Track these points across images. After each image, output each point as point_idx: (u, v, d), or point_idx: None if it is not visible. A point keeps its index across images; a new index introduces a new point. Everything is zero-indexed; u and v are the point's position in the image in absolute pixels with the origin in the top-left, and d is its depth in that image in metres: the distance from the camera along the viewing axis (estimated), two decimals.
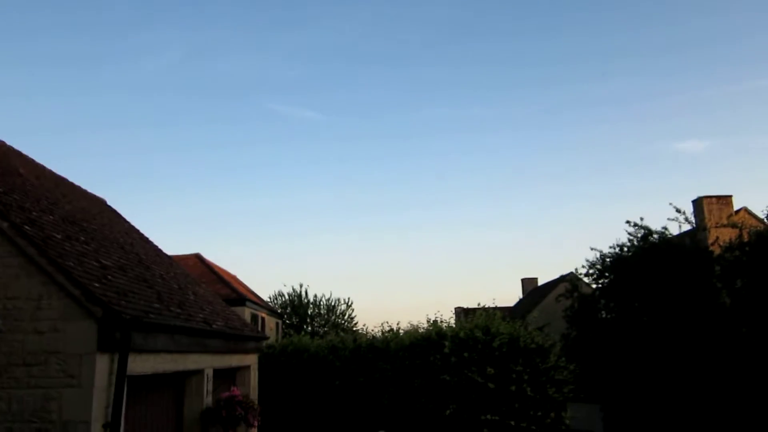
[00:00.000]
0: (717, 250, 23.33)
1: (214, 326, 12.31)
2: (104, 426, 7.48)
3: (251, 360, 15.64)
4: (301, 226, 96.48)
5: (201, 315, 12.39)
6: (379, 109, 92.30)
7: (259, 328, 28.58)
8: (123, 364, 7.81)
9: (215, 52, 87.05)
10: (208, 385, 11.95)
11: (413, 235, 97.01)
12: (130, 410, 8.80)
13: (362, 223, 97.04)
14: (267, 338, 18.75)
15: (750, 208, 30.49)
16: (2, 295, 7.66)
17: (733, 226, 23.98)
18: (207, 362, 11.86)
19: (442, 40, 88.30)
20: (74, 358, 7.43)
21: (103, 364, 7.57)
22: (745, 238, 22.68)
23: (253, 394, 15.39)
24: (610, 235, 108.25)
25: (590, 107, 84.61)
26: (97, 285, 8.12)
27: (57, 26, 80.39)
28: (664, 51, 79.91)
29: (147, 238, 17.28)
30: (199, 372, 11.60)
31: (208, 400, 11.97)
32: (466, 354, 17.28)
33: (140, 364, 8.54)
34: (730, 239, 23.04)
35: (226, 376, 14.24)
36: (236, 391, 12.79)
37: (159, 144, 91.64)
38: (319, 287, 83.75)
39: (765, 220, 24.61)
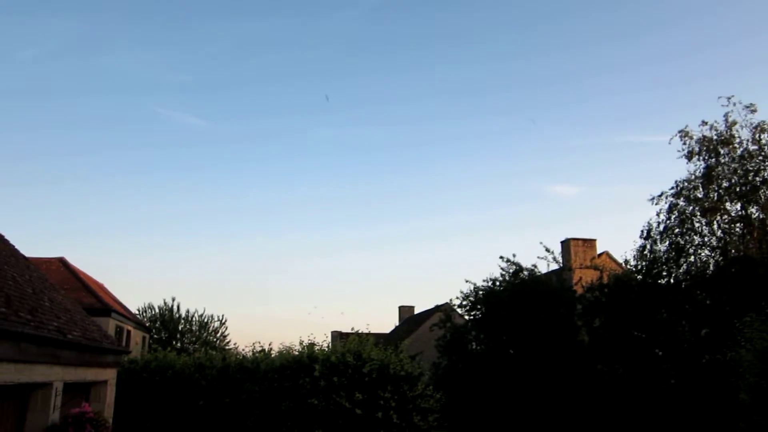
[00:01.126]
0: (580, 290, 24.81)
1: (68, 336, 11.45)
2: None
3: (109, 375, 14.68)
4: (179, 239, 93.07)
5: (55, 323, 11.50)
6: (261, 117, 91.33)
7: (124, 342, 27.06)
8: None
9: (98, 46, 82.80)
10: (56, 400, 11.04)
11: (295, 256, 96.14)
12: None
13: (242, 241, 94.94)
14: (129, 352, 17.73)
15: (611, 252, 32.80)
16: None
17: (595, 268, 25.63)
18: (57, 375, 10.98)
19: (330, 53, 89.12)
20: None
21: None
22: (605, 280, 24.28)
23: (108, 412, 14.41)
24: (487, 268, 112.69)
25: (471, 141, 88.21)
26: None
27: None
28: (544, 104, 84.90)
29: (2, 237, 15.91)
30: (47, 385, 10.70)
31: (55, 416, 11.05)
32: (335, 378, 17.14)
33: None
34: (592, 280, 24.58)
35: (78, 391, 13.25)
36: (87, 407, 11.91)
37: (31, 141, 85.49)
38: (194, 303, 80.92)
39: (623, 265, 26.46)
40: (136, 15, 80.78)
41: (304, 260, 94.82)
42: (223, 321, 45.61)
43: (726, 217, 23.06)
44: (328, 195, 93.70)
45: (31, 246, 54.03)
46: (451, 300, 28.09)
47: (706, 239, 23.41)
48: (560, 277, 26.30)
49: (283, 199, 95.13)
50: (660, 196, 24.22)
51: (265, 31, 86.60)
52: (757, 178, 22.13)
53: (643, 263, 24.10)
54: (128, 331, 29.18)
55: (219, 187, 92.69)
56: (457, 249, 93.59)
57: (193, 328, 43.88)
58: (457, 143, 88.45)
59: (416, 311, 51.99)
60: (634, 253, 24.58)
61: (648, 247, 24.13)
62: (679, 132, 23.80)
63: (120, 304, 32.22)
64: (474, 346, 25.75)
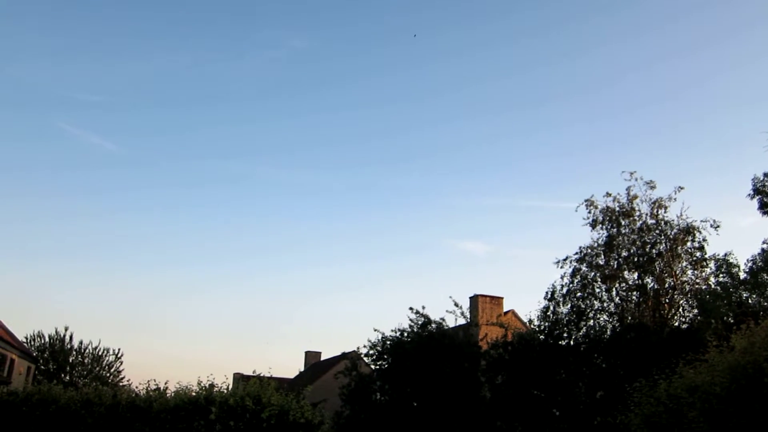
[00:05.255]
0: (485, 346, 25.14)
1: None
2: None
3: None
4: (76, 265, 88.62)
5: None
6: (166, 140, 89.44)
7: (5, 371, 25.23)
8: None
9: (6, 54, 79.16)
10: None
11: (204, 293, 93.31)
12: None
13: (143, 271, 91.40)
14: (9, 383, 16.54)
15: (517, 311, 33.64)
16: None
17: (501, 325, 26.11)
18: None
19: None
20: None
21: None
22: (510, 338, 24.76)
23: None
24: (396, 318, 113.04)
25: (387, 192, 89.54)
26: None
27: None
28: (458, 164, 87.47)
29: None
30: None
31: None
32: (232, 423, 16.56)
33: None
34: (497, 337, 25.00)
35: None
36: None
37: None
38: (89, 334, 76.71)
39: (528, 324, 27.12)
40: (51, 26, 78.12)
41: (214, 297, 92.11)
42: (119, 355, 43.40)
43: (624, 284, 24.23)
44: (240, 233, 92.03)
45: None
46: (358, 348, 27.79)
47: (605, 304, 24.45)
48: (467, 332, 26.59)
49: (187, 230, 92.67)
50: (565, 260, 25.19)
51: (184, 59, 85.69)
52: (654, 251, 23.49)
53: (546, 324, 24.78)
54: (12, 360, 27.25)
55: (120, 215, 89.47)
56: (368, 297, 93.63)
57: (86, 361, 41.44)
58: (371, 192, 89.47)
59: (323, 357, 51.27)
60: (538, 313, 25.28)
61: (551, 308, 24.89)
62: (586, 201, 25.02)
63: (4, 329, 30.11)
64: (378, 397, 25.47)
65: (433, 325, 25.40)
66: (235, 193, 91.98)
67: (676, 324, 23.30)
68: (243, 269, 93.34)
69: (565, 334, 24.54)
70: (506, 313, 32.64)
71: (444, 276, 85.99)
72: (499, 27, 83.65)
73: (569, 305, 24.63)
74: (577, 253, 25.00)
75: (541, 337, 24.53)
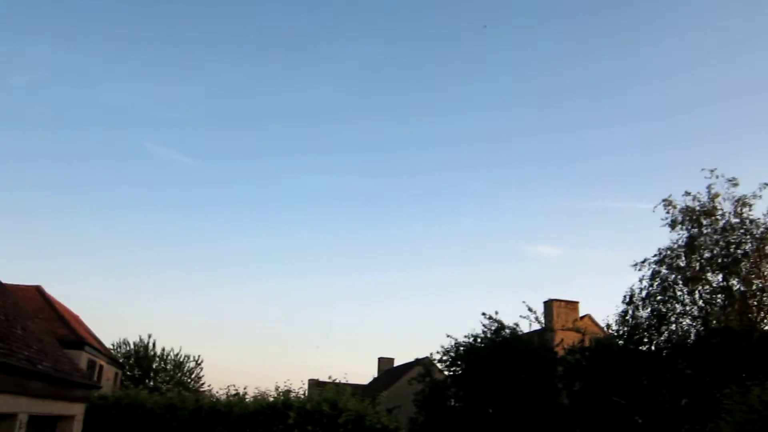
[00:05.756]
0: (561, 352, 24.64)
1: (38, 367, 11.19)
2: None
3: (77, 409, 14.29)
4: (161, 276, 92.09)
5: (25, 352, 11.24)
6: (248, 158, 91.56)
7: (96, 377, 26.40)
8: None
9: (87, 77, 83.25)
10: None
11: (274, 301, 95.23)
12: None
13: (224, 280, 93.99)
14: (100, 387, 17.30)
15: (593, 315, 32.77)
16: None
17: (577, 330, 25.54)
18: (23, 406, 10.68)
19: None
20: None
21: None
22: (587, 343, 24.17)
23: None
24: (468, 324, 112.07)
25: (458, 196, 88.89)
26: None
27: None
28: (530, 162, 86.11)
29: None
30: (11, 416, 10.39)
31: None
32: (310, 427, 16.78)
33: None
34: (574, 343, 24.45)
35: (44, 425, 12.86)
36: None
37: (15, 168, 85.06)
38: (170, 341, 79.53)
39: (605, 329, 26.39)
40: (130, 47, 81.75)
41: (287, 306, 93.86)
42: (199, 362, 44.83)
43: (707, 287, 23.20)
44: (312, 243, 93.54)
45: (7, 272, 53.15)
46: (431, 354, 27.75)
47: (687, 308, 23.48)
48: (542, 337, 26.17)
49: (266, 244, 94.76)
50: (643, 262, 24.36)
51: (257, 69, 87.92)
52: (738, 251, 22.37)
53: (625, 328, 24.07)
54: (101, 366, 28.53)
55: (203, 228, 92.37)
56: (440, 303, 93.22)
57: (168, 367, 43.00)
58: (444, 198, 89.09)
59: (396, 363, 51.38)
60: (616, 317, 24.56)
61: (630, 312, 24.14)
62: (663, 201, 24.13)
63: (94, 337, 31.60)
64: (452, 403, 25.38)
65: (507, 331, 25.11)
66: (308, 203, 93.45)
67: (766, 328, 22.12)
68: (314, 279, 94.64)
69: (645, 339, 23.78)
70: (582, 317, 31.90)
71: (516, 281, 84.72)
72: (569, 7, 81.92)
73: (649, 309, 23.81)
74: (655, 255, 24.14)
75: (620, 342, 23.84)
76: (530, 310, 25.52)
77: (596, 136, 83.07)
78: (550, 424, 22.33)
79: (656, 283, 23.79)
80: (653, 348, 23.56)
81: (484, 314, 25.61)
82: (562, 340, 25.61)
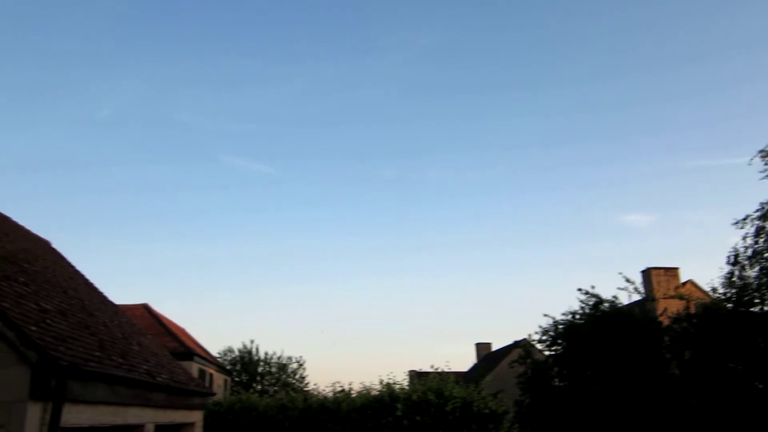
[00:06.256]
0: (665, 321, 23.72)
1: (158, 379, 11.81)
2: None
3: (196, 417, 15.01)
4: (253, 281, 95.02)
5: (145, 366, 11.89)
6: (328, 164, 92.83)
7: (207, 384, 27.62)
8: (56, 414, 7.37)
9: (171, 96, 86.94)
10: None
11: (366, 295, 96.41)
12: None
13: (314, 282, 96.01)
14: (214, 394, 18.08)
15: (696, 281, 31.35)
16: None
17: (681, 297, 24.49)
18: (149, 416, 11.31)
19: (392, 97, 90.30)
20: (3, 406, 6.98)
21: (34, 413, 7.12)
22: (692, 310, 23.14)
23: None
24: (564, 301, 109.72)
25: (540, 173, 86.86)
26: (34, 328, 7.72)
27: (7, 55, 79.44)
28: (607, 128, 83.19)
29: (92, 284, 16.70)
30: (139, 427, 11.02)
31: None
32: (418, 417, 16.94)
33: (76, 416, 8.06)
34: (678, 311, 23.47)
35: None
36: None
37: (111, 188, 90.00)
38: (271, 344, 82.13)
39: (710, 293, 25.20)
40: (199, 72, 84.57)
41: (372, 300, 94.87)
42: (302, 363, 46.11)
43: None
44: (392, 243, 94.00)
45: (116, 293, 56.29)
46: (529, 335, 27.35)
47: None
48: (643, 308, 25.25)
49: (346, 243, 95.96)
50: (744, 219, 22.99)
51: (323, 75, 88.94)
52: None
53: (733, 291, 22.85)
54: (210, 374, 29.81)
55: (286, 232, 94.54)
56: (532, 284, 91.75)
57: (272, 370, 44.45)
58: (523, 175, 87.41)
59: (493, 348, 51.06)
60: (722, 280, 23.34)
61: (736, 273, 22.88)
62: (760, 152, 22.69)
63: (201, 347, 33.03)
64: (557, 383, 24.93)
65: (606, 305, 24.41)
66: (390, 193, 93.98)
67: None
68: (405, 275, 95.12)
69: (756, 300, 22.52)
70: (684, 284, 30.61)
71: (608, 253, 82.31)
72: None
73: (757, 267, 22.49)
74: (758, 210, 22.72)
75: (729, 305, 22.69)
76: (628, 281, 24.64)
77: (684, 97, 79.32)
78: (662, 397, 21.56)
79: (762, 240, 22.45)
80: (766, 308, 22.29)
81: (580, 290, 24.98)
82: (666, 309, 24.65)
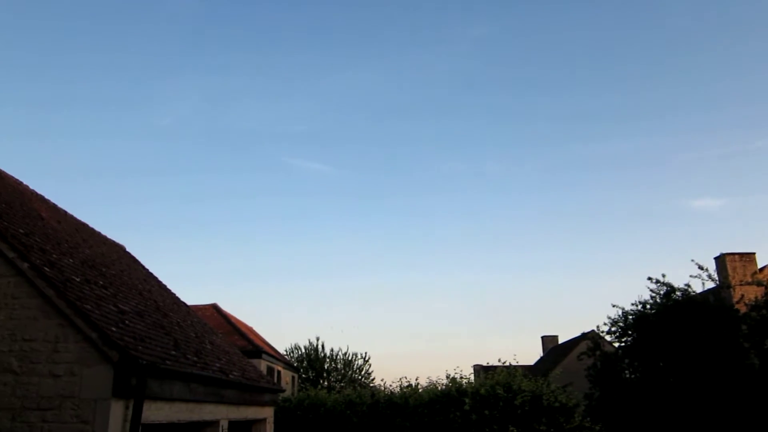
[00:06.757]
0: (743, 309, 22.77)
1: (230, 376, 12.09)
2: None
3: (267, 413, 15.30)
4: (317, 280, 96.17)
5: (217, 364, 12.19)
6: (390, 162, 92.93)
7: (275, 381, 28.14)
8: (138, 411, 7.63)
9: (229, 103, 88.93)
10: None
11: (427, 291, 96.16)
12: None
13: (376, 277, 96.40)
14: (283, 391, 18.39)
15: None
16: (20, 336, 7.59)
17: (759, 284, 23.49)
18: (222, 413, 11.59)
19: (454, 93, 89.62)
20: (88, 404, 7.28)
21: (117, 410, 7.39)
22: None
23: None
24: (632, 291, 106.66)
25: (604, 162, 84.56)
26: (114, 329, 8.01)
27: (81, 68, 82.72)
28: (668, 110, 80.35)
29: (165, 286, 17.24)
30: (214, 423, 11.31)
31: None
32: (487, 412, 16.80)
33: (155, 413, 8.33)
34: (756, 297, 22.51)
35: (241, 429, 13.90)
36: None
37: (176, 192, 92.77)
38: (336, 341, 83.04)
39: None
40: (257, 74, 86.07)
41: (442, 293, 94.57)
42: (367, 359, 46.41)
43: None
44: (455, 234, 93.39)
45: (186, 294, 57.89)
46: (597, 327, 26.77)
47: None
48: (718, 295, 24.33)
49: (409, 236, 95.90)
50: None
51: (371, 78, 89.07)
52: None
53: None
54: (278, 371, 30.34)
55: (343, 228, 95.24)
56: (596, 274, 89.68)
57: (338, 367, 44.93)
58: (587, 164, 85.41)
59: (560, 341, 50.22)
60: None
61: None
62: None
63: (269, 345, 33.67)
64: (628, 375, 24.29)
65: (678, 293, 23.63)
66: (451, 192, 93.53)
67: None
68: (465, 269, 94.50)
69: None
70: (761, 269, 29.27)
71: (679, 240, 79.62)
72: None
73: None
74: None
75: None
76: (701, 267, 23.79)
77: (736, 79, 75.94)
78: (741, 388, 20.70)
79: None
80: None
81: (650, 279, 24.26)
82: (742, 296, 23.67)
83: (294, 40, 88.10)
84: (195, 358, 10.94)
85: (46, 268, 8.09)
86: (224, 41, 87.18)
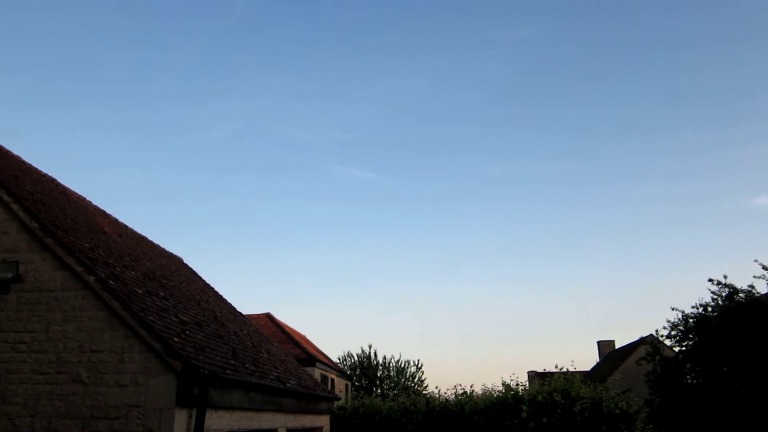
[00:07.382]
0: None
1: (287, 385, 12.21)
2: None
3: (323, 421, 15.40)
4: (368, 288, 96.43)
5: (274, 373, 12.34)
6: (435, 168, 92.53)
7: (330, 389, 28.31)
8: (201, 420, 7.78)
9: (275, 119, 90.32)
10: None
11: (478, 296, 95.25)
12: None
13: (427, 284, 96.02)
14: (339, 398, 18.50)
15: None
16: (88, 347, 7.84)
17: None
18: (280, 421, 11.72)
19: (496, 100, 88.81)
20: (154, 413, 7.46)
21: (181, 419, 7.56)
22: None
23: None
24: (692, 293, 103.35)
25: (656, 160, 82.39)
26: (176, 340, 8.20)
27: (131, 98, 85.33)
28: (723, 108, 77.77)
29: (221, 296, 17.57)
30: (272, 431, 11.45)
31: None
32: (545, 419, 16.50)
33: (216, 421, 8.49)
34: None
35: None
36: None
37: (229, 206, 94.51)
38: (388, 348, 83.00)
39: None
40: (298, 88, 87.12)
41: (492, 298, 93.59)
42: (420, 366, 46.26)
43: None
44: (494, 246, 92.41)
45: (240, 304, 58.76)
46: (656, 331, 26.06)
47: None
48: None
49: (454, 245, 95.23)
50: None
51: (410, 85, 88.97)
52: None
53: None
54: (332, 380, 30.53)
55: (394, 236, 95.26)
56: (653, 276, 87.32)
57: (391, 374, 44.87)
58: (644, 163, 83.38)
59: (617, 346, 49.08)
60: None
61: None
62: None
63: (322, 354, 33.92)
64: (690, 380, 23.56)
65: (741, 295, 22.81)
66: (491, 197, 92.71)
67: None
68: (517, 273, 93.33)
69: None
70: None
71: (741, 239, 76.90)
72: None
73: None
74: None
75: None
76: (765, 268, 22.94)
77: None
78: None
79: None
80: None
81: (711, 280, 23.52)
82: None
83: (334, 48, 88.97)
84: (253, 367, 11.10)
85: (111, 281, 8.34)
86: (266, 48, 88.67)
